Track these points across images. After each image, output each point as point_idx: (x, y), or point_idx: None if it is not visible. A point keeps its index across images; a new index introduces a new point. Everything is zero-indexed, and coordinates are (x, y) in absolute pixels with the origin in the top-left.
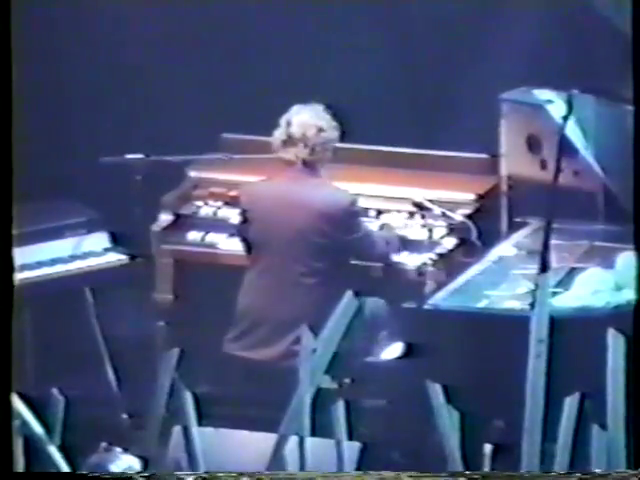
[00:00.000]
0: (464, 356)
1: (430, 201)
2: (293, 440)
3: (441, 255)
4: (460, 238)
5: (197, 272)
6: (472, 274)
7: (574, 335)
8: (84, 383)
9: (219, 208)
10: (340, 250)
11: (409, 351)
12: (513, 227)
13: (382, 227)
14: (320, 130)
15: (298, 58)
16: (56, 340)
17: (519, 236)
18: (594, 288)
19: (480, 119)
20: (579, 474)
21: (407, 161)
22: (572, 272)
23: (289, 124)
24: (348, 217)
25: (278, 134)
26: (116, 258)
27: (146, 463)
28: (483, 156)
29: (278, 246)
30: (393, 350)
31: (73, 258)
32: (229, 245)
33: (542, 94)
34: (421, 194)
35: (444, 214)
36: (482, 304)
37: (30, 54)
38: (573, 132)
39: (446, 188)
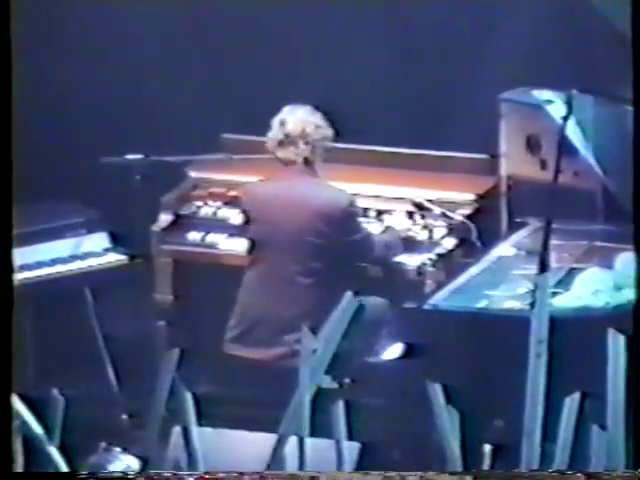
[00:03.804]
0: (464, 356)
1: (430, 201)
2: (293, 440)
3: (441, 255)
4: (460, 238)
5: (197, 272)
6: (472, 274)
7: (574, 335)
8: (84, 383)
9: (219, 208)
10: (339, 251)
11: (409, 351)
12: (513, 227)
13: (385, 230)
14: (317, 127)
15: (298, 58)
16: (56, 340)
17: (519, 236)
18: (594, 288)
19: (480, 119)
20: (579, 474)
21: (407, 161)
22: (572, 272)
23: (283, 123)
24: (346, 218)
25: (272, 135)
26: (116, 258)
27: (145, 463)
28: (483, 156)
29: (277, 246)
30: (393, 350)
31: (73, 258)
32: (229, 245)
33: (542, 94)
34: (421, 194)
35: (444, 214)
36: (482, 304)
37: (30, 54)
38: (573, 132)
39: (446, 188)
